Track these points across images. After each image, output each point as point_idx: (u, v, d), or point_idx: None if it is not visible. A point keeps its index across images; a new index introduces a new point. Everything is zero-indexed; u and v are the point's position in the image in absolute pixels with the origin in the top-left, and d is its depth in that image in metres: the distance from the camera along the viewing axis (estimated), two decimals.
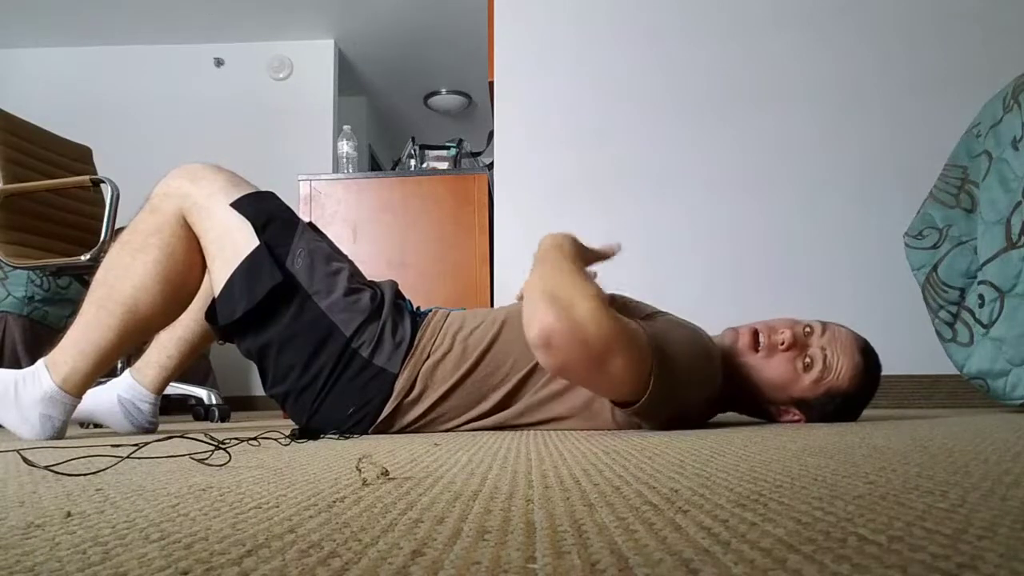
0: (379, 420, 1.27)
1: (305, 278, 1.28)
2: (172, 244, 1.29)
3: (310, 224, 1.40)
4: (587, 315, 1.00)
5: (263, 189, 1.37)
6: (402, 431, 1.30)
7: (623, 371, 1.05)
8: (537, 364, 1.26)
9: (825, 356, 1.24)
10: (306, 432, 1.13)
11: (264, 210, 1.31)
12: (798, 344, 1.25)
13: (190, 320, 1.45)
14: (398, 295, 1.40)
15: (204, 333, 1.47)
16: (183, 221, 1.30)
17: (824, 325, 1.28)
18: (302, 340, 1.26)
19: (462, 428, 1.31)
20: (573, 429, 1.28)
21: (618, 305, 1.27)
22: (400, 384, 1.27)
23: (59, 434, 1.30)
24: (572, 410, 1.28)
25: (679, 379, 1.10)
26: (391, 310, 1.32)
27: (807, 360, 1.24)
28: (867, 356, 1.27)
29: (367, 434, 1.27)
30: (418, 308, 1.40)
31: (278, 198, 1.37)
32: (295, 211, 1.39)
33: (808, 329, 1.27)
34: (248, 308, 1.24)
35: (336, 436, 1.19)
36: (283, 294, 1.26)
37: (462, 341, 1.30)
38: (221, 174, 1.33)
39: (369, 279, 1.40)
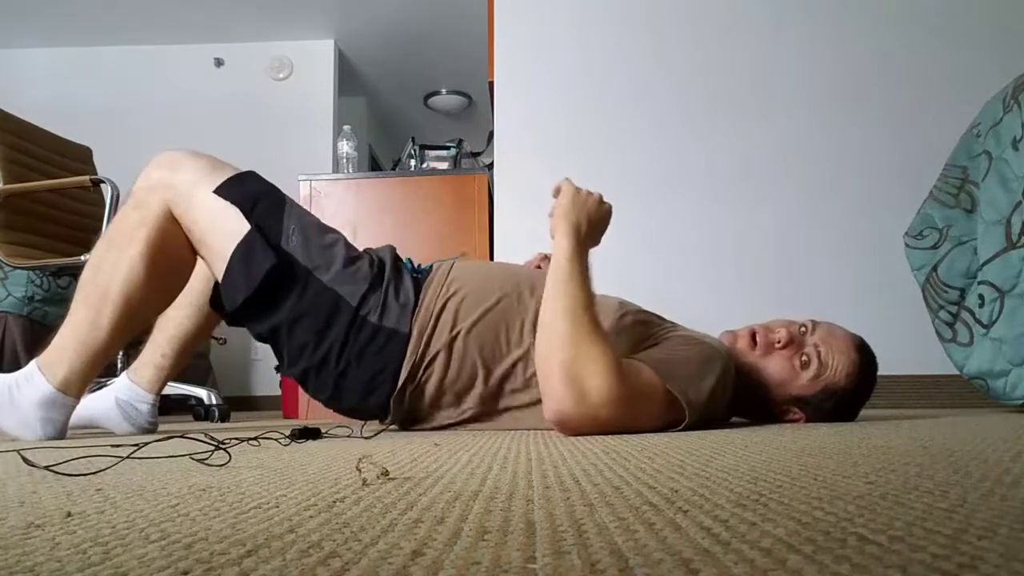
0: (400, 383, 1.28)
1: (302, 254, 1.29)
2: (157, 237, 1.28)
3: None
4: (598, 398, 1.06)
5: (244, 170, 1.35)
6: (419, 390, 1.30)
7: (646, 418, 1.12)
8: (529, 348, 1.27)
9: (820, 353, 1.27)
10: (306, 432, 1.13)
11: (249, 192, 1.31)
12: (794, 343, 1.29)
13: (183, 318, 1.45)
14: (397, 258, 1.41)
15: (199, 330, 1.47)
16: (169, 214, 1.29)
17: (817, 324, 1.31)
18: (311, 317, 1.27)
19: (470, 408, 1.32)
20: None
21: (629, 322, 1.29)
22: (412, 343, 1.28)
23: (60, 434, 1.29)
24: None
25: (706, 397, 1.15)
26: (392, 273, 1.33)
27: (804, 358, 1.27)
28: (863, 353, 1.30)
29: (390, 402, 1.28)
30: (419, 265, 1.41)
31: (260, 177, 1.36)
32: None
33: (803, 328, 1.31)
34: (248, 294, 1.25)
35: (348, 432, 1.19)
36: (285, 274, 1.26)
37: (455, 303, 1.31)
38: (200, 159, 1.33)
39: (365, 248, 1.41)
